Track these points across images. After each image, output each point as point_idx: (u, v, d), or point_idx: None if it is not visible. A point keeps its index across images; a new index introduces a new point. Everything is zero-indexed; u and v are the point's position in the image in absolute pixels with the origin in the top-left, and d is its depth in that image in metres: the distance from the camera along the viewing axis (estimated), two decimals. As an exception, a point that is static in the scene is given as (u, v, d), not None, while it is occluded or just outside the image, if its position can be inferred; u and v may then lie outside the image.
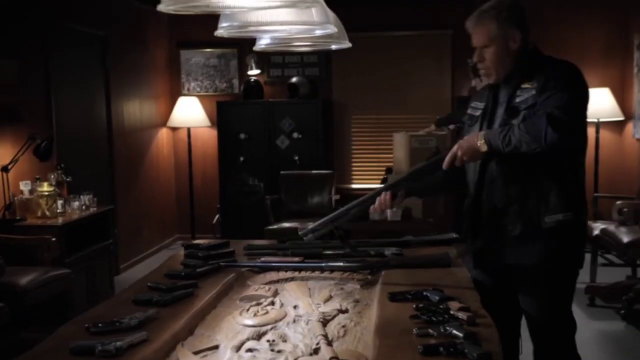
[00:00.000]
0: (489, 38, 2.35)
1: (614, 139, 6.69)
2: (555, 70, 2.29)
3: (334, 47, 2.84)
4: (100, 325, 2.05)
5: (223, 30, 2.24)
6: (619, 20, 6.65)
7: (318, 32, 2.47)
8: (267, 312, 2.26)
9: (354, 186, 7.09)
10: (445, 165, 2.38)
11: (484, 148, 2.30)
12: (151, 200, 7.11)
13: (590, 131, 6.32)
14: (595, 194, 5.80)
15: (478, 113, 2.51)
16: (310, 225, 2.69)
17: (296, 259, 2.82)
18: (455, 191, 3.01)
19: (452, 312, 2.08)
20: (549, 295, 2.43)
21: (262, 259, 2.85)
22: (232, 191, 6.98)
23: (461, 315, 2.05)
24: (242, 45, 7.17)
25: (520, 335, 2.61)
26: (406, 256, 2.85)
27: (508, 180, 2.37)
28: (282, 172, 6.16)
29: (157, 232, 7.26)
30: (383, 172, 6.33)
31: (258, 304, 2.35)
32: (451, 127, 5.86)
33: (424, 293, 2.30)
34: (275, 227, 5.65)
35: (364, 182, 7.05)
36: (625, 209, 4.94)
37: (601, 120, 6.36)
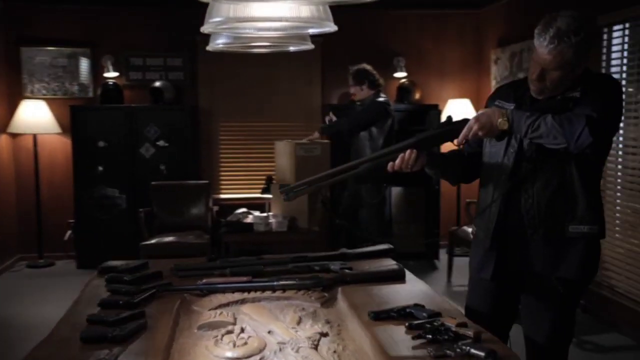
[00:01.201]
0: (560, 64, 2.22)
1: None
2: (598, 82, 2.29)
3: (292, 48, 2.60)
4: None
5: (210, 26, 1.93)
6: (473, 37, 7.03)
7: (312, 31, 2.24)
8: (245, 342, 1.99)
9: (230, 196, 6.79)
10: (460, 138, 2.25)
11: (505, 126, 2.19)
12: (-10, 216, 6.30)
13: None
14: (467, 200, 6.05)
15: None
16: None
17: (243, 278, 2.56)
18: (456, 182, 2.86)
19: (453, 329, 1.96)
20: (560, 305, 2.41)
21: (204, 280, 2.55)
22: (89, 204, 6.39)
23: (464, 331, 1.95)
24: (97, 45, 6.62)
25: (509, 337, 2.57)
26: (357, 271, 2.70)
27: (539, 182, 2.30)
28: (153, 182, 5.73)
29: (-4, 252, 6.44)
30: (260, 182, 6.12)
31: (229, 332, 2.07)
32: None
33: (407, 310, 2.17)
34: (152, 242, 5.22)
35: (237, 192, 6.79)
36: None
37: (463, 129, 6.66)
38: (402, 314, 2.16)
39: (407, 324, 2.05)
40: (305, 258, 2.90)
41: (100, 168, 6.38)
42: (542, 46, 2.22)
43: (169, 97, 6.57)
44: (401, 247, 6.08)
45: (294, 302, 2.44)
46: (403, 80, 6.89)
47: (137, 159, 6.38)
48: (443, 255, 6.59)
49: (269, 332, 2.13)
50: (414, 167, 2.40)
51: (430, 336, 1.93)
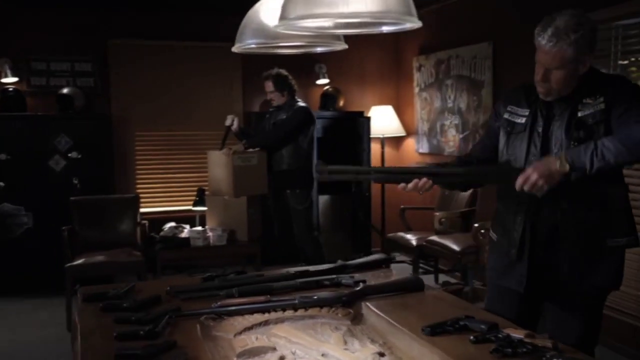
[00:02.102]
0: (561, 62, 2.18)
1: (397, 153, 7.08)
2: (622, 85, 2.23)
3: (319, 49, 2.35)
4: None
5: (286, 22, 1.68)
6: (393, 44, 7.08)
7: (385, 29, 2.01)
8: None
9: (151, 210, 6.35)
10: (517, 187, 2.14)
11: (566, 168, 2.10)
12: None
13: (377, 147, 6.64)
14: (402, 206, 6.04)
15: (521, 120, 2.34)
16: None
17: (261, 298, 2.32)
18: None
19: (527, 341, 1.86)
20: (590, 310, 2.37)
21: (219, 302, 2.29)
22: (-13, 224, 5.74)
23: (543, 343, 1.85)
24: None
25: None
26: (378, 283, 2.55)
27: (570, 193, 2.22)
28: (72, 198, 5.22)
29: None
30: (186, 194, 5.81)
31: (282, 359, 1.85)
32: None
33: (461, 322, 2.04)
34: (79, 263, 4.74)
35: (158, 205, 6.37)
36: (442, 219, 5.22)
37: (386, 136, 6.68)
38: (456, 327, 2.03)
39: (472, 338, 1.93)
40: (307, 272, 2.71)
41: (1, 184, 5.76)
42: (541, 46, 2.20)
43: (79, 105, 6.06)
44: (329, 256, 5.94)
45: (320, 320, 2.24)
46: (326, 87, 6.80)
47: (45, 173, 5.82)
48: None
49: (323, 355, 1.92)
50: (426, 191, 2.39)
51: (509, 350, 1.81)
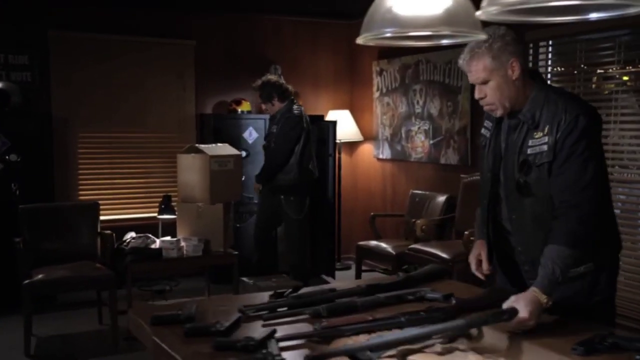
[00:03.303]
0: (485, 73, 2.18)
1: (352, 159, 6.89)
2: (566, 123, 2.12)
3: (445, 42, 2.02)
4: None
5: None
6: (347, 47, 6.91)
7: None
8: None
9: (115, 217, 5.79)
10: (513, 329, 2.00)
11: (550, 301, 2.05)
12: None
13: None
14: (373, 213, 5.85)
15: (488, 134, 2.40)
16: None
17: (367, 317, 2.04)
18: None
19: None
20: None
21: (324, 323, 1.98)
22: None
23: None
24: None
25: None
26: (466, 298, 2.32)
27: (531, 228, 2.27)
28: (22, 206, 4.61)
29: None
30: (139, 200, 5.33)
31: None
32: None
33: (609, 340, 1.86)
34: (38, 279, 4.16)
35: (108, 213, 5.79)
36: (424, 227, 5.08)
37: (342, 141, 6.48)
38: (606, 345, 1.85)
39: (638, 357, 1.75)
40: (378, 287, 2.45)
41: None
42: (464, 68, 2.24)
43: (17, 102, 5.42)
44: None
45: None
46: (283, 89, 6.50)
47: (-21, 178, 5.16)
48: (350, 272, 6.36)
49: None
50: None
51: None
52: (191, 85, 6.24)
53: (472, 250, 2.53)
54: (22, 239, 4.47)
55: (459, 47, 2.20)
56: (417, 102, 5.90)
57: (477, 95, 2.26)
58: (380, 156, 6.48)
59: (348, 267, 6.63)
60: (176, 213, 4.91)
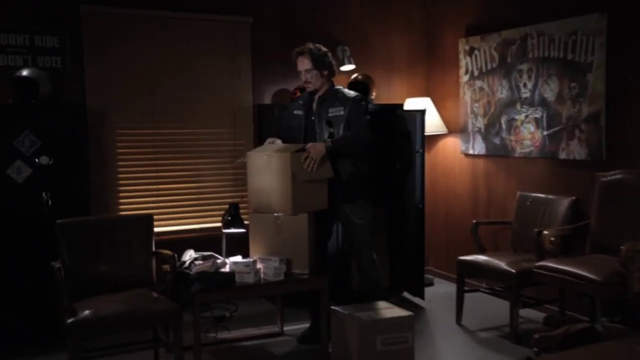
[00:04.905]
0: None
1: (434, 156, 5.90)
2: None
3: None
4: None
5: None
6: (421, 24, 5.92)
7: None
8: None
9: (162, 229, 4.84)
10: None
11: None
12: None
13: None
14: (475, 221, 4.86)
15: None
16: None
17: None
18: None
19: None
20: None
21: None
22: None
23: None
24: None
25: None
26: None
27: None
28: (60, 221, 3.63)
29: None
30: (194, 209, 4.34)
31: None
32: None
33: None
34: (86, 315, 3.20)
35: (161, 224, 4.81)
36: (552, 238, 4.09)
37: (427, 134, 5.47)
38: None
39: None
40: None
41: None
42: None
43: (46, 92, 4.48)
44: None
45: None
46: (355, 74, 5.52)
47: (3, 187, 4.21)
48: (435, 289, 5.43)
49: None
50: None
51: None
52: (247, 71, 5.26)
53: None
54: (61, 262, 3.52)
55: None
56: (524, 85, 4.89)
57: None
58: (471, 151, 5.47)
59: (430, 283, 5.65)
60: (246, 226, 3.95)
